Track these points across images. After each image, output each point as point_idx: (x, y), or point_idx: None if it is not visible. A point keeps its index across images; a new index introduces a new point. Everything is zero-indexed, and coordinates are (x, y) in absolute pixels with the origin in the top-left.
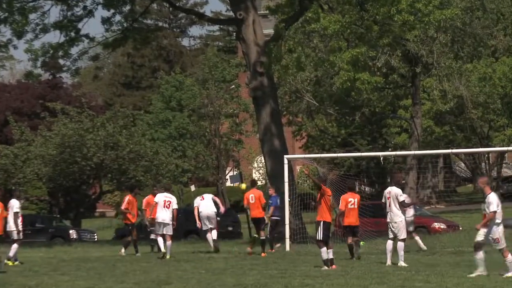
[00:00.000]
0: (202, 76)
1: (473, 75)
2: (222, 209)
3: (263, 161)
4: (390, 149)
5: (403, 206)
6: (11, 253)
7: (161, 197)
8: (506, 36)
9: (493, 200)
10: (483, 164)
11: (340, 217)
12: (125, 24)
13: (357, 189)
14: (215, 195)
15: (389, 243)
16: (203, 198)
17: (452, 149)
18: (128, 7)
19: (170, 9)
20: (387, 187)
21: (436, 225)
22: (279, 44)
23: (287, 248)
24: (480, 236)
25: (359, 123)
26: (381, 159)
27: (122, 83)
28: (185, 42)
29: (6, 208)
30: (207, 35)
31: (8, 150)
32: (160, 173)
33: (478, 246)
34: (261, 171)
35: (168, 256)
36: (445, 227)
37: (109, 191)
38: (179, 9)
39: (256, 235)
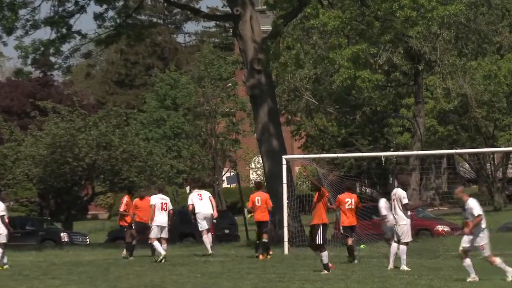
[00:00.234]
0: (197, 73)
1: (477, 72)
2: (215, 213)
3: (260, 161)
4: (392, 149)
5: (405, 209)
6: None
7: (157, 199)
8: (511, 32)
9: (474, 205)
10: (488, 164)
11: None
12: (118, 20)
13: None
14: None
15: (394, 246)
16: (201, 198)
17: (456, 149)
18: (121, 3)
19: (165, 4)
20: (389, 188)
21: (440, 227)
22: (277, 41)
23: (286, 251)
24: (465, 242)
25: (360, 122)
26: (383, 159)
27: (115, 81)
28: (180, 38)
29: None
30: (203, 31)
31: None
32: (155, 174)
33: (464, 253)
34: (258, 172)
35: (162, 260)
36: (448, 229)
37: (102, 192)
38: (174, 4)
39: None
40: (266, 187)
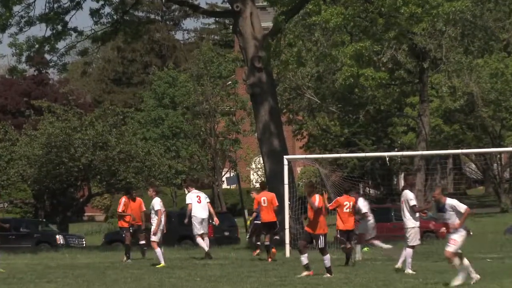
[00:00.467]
0: (196, 71)
1: (484, 70)
2: (216, 220)
3: (261, 162)
4: (396, 149)
5: (413, 211)
6: None
7: (160, 203)
8: None
9: (456, 203)
10: (494, 165)
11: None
12: (115, 17)
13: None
14: (211, 198)
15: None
16: (200, 201)
17: (462, 149)
18: None
19: (163, 0)
20: (392, 189)
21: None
22: (278, 38)
23: (287, 254)
24: (450, 247)
25: (363, 121)
26: (387, 159)
27: (112, 79)
28: (178, 35)
29: None
30: (202, 28)
31: None
32: (152, 174)
33: (454, 255)
34: (259, 173)
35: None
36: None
37: (98, 193)
38: (172, 0)
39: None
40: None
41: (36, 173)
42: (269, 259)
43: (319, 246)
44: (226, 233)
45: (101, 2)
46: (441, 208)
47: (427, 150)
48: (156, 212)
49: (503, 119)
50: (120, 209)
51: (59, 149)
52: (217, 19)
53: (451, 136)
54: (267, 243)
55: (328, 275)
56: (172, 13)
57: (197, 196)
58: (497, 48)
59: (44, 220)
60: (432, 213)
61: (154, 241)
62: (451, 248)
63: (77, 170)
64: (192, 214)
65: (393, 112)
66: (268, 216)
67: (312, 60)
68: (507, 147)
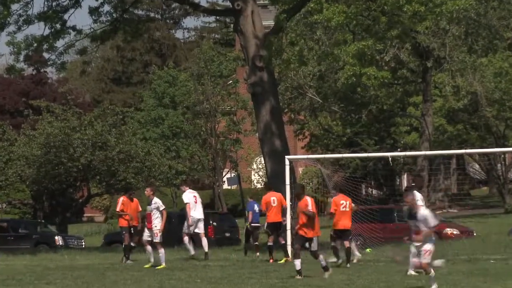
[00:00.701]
0: (197, 71)
1: (488, 70)
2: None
3: (262, 162)
4: (399, 149)
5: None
6: None
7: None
8: None
9: (429, 216)
10: (498, 165)
11: (330, 219)
12: (114, 15)
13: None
14: (211, 199)
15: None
16: (196, 201)
17: (465, 149)
18: None
19: None
20: (395, 189)
21: (449, 230)
22: (280, 37)
23: (289, 255)
24: (426, 259)
25: (366, 121)
26: (390, 160)
27: (111, 78)
28: (179, 34)
29: None
30: (203, 26)
31: None
32: (152, 175)
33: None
34: (260, 173)
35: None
36: (458, 232)
37: (98, 194)
38: None
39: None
40: None
41: (34, 173)
42: (271, 260)
43: (312, 249)
44: (227, 234)
45: (100, 1)
46: (413, 215)
47: (430, 150)
48: (161, 212)
49: (507, 118)
50: (118, 208)
51: (58, 149)
52: (217, 17)
53: (454, 136)
54: (270, 243)
55: (327, 272)
56: (172, 12)
57: (194, 196)
58: (501, 47)
59: (43, 221)
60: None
61: (158, 242)
62: (426, 259)
63: (76, 170)
64: (190, 214)
65: (396, 111)
66: (276, 216)
67: (314, 59)
68: (511, 147)
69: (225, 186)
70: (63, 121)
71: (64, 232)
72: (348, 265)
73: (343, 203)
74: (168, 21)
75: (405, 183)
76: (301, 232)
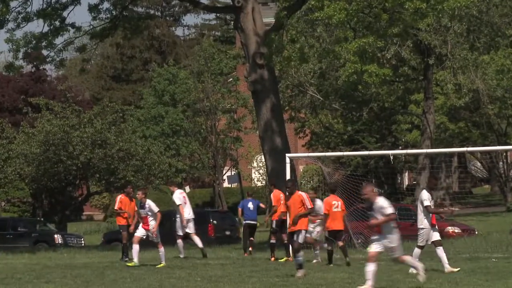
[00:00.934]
0: (197, 68)
1: (490, 67)
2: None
3: (263, 160)
4: (400, 147)
5: (427, 211)
6: None
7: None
8: None
9: (385, 204)
10: (500, 163)
11: (324, 220)
12: (114, 12)
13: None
14: (211, 197)
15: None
16: (186, 201)
17: (467, 147)
18: None
19: None
20: (396, 187)
21: (450, 229)
22: (281, 34)
23: (290, 254)
24: (377, 246)
25: (367, 119)
26: (391, 158)
27: (111, 76)
28: (179, 31)
29: None
30: (203, 24)
31: None
32: (152, 173)
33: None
34: (261, 171)
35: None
36: (459, 231)
37: (97, 192)
38: None
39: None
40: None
41: (34, 171)
42: (272, 259)
43: (298, 241)
44: (227, 233)
45: None
46: (370, 207)
47: (431, 148)
48: (156, 214)
49: (509, 116)
50: (116, 207)
51: (57, 147)
52: (218, 14)
53: (456, 134)
54: (273, 241)
55: (301, 271)
56: (172, 9)
57: (184, 197)
58: (503, 44)
59: (42, 219)
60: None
61: (158, 242)
62: (397, 253)
63: (76, 168)
64: (178, 215)
65: (397, 109)
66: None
67: (314, 56)
68: None
69: (226, 184)
70: (63, 118)
71: (63, 231)
72: (347, 259)
73: (335, 204)
74: (168, 18)
75: (406, 181)
76: (290, 229)
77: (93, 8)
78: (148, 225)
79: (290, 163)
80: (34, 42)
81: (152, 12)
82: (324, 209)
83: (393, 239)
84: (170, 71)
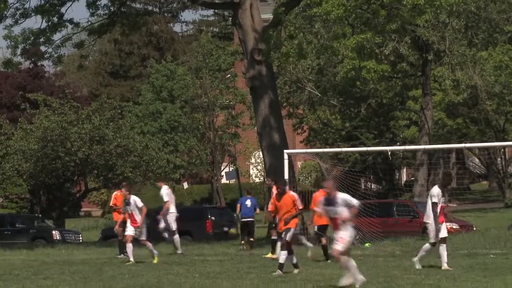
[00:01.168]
0: (195, 64)
1: (488, 63)
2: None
3: (261, 156)
4: (398, 144)
5: (433, 207)
6: None
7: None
8: None
9: (348, 197)
10: (498, 159)
11: (312, 215)
12: (112, 8)
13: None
14: (209, 193)
15: (438, 246)
16: (172, 196)
17: (465, 143)
18: None
19: None
20: (394, 183)
21: (448, 225)
22: (279, 30)
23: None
24: (339, 245)
25: (365, 115)
26: (389, 154)
27: (109, 72)
28: (177, 27)
29: None
30: (201, 20)
31: None
32: (150, 169)
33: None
34: (259, 167)
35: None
36: (457, 227)
37: (95, 188)
38: None
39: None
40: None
41: (31, 167)
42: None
43: (286, 239)
44: (225, 229)
45: None
46: (331, 202)
47: (429, 144)
48: (141, 209)
49: (507, 112)
50: (111, 203)
51: (55, 143)
52: (216, 11)
53: (454, 130)
54: (274, 237)
55: (279, 272)
56: (170, 5)
57: (171, 196)
58: (501, 40)
59: (40, 215)
60: (320, 206)
61: (144, 239)
62: (339, 246)
63: (74, 164)
64: (170, 211)
65: (395, 105)
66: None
67: (313, 52)
68: (511, 141)
69: (224, 180)
70: (61, 115)
71: (61, 227)
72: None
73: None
74: (166, 14)
75: (404, 177)
76: (280, 228)
77: (91, 4)
78: (135, 222)
79: (288, 159)
80: (32, 38)
81: (150, 8)
82: (312, 205)
83: (345, 233)
84: (168, 67)
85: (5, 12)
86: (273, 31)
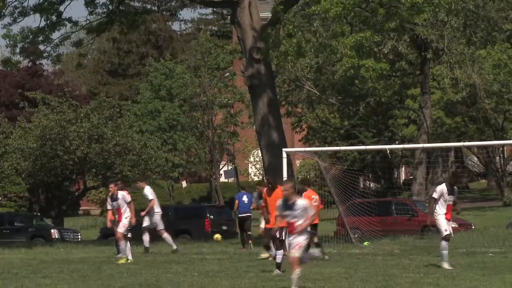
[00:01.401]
0: (194, 63)
1: (486, 62)
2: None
3: (260, 155)
4: (397, 142)
5: (430, 204)
6: None
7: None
8: None
9: (307, 204)
10: (497, 158)
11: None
12: (110, 7)
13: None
14: (208, 192)
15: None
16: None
17: (464, 141)
18: None
19: None
20: (393, 182)
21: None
22: (277, 29)
23: (287, 248)
24: (297, 252)
25: (364, 114)
26: (388, 152)
27: (107, 70)
28: (175, 26)
29: None
30: (199, 18)
31: None
32: (149, 168)
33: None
34: (257, 166)
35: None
36: (456, 226)
37: (94, 187)
38: None
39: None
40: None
41: (30, 166)
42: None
43: (281, 238)
44: (224, 227)
45: None
46: (290, 206)
47: (428, 142)
48: (129, 204)
49: (506, 111)
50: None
51: (53, 142)
52: (214, 9)
53: (453, 128)
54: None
55: (278, 271)
56: (168, 3)
57: (155, 192)
58: (500, 38)
59: (38, 214)
60: (278, 209)
61: (122, 233)
62: (297, 253)
63: (72, 163)
64: (156, 211)
65: (394, 104)
66: None
67: (311, 51)
68: (509, 139)
69: (222, 179)
70: (59, 113)
71: (60, 225)
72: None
73: (314, 198)
74: (164, 13)
75: (403, 176)
76: (270, 225)
77: (89, 3)
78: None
79: (287, 157)
80: (31, 37)
81: (148, 6)
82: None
83: (301, 239)
84: (167, 66)
85: (4, 11)
86: (271, 29)
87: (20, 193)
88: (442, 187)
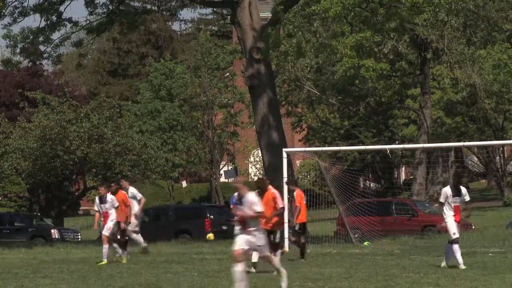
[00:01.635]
0: (194, 63)
1: (486, 62)
2: None
3: (260, 155)
4: (397, 142)
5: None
6: None
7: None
8: None
9: (255, 200)
10: (497, 158)
11: (296, 213)
12: (110, 7)
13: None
14: (208, 192)
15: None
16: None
17: (464, 141)
18: None
19: None
20: (394, 182)
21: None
22: (277, 29)
23: (286, 249)
24: (243, 243)
25: (364, 114)
26: (388, 152)
27: (107, 70)
28: (175, 26)
29: None
30: (200, 18)
31: None
32: (149, 168)
33: (244, 255)
34: (258, 166)
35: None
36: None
37: (94, 187)
38: None
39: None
40: None
41: (30, 166)
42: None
43: (276, 241)
44: (224, 227)
45: None
46: (240, 200)
47: (428, 142)
48: (116, 208)
49: (506, 111)
50: None
51: (54, 142)
52: (215, 9)
53: (453, 128)
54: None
55: (276, 272)
56: (168, 3)
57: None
58: (500, 38)
59: (38, 214)
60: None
61: (107, 236)
62: (265, 252)
63: (72, 163)
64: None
65: (394, 104)
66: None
67: (311, 51)
68: (509, 139)
69: (222, 179)
70: (59, 113)
71: (60, 225)
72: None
73: (303, 197)
74: (164, 13)
75: (403, 176)
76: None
77: (89, 3)
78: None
79: (287, 157)
80: (31, 37)
81: (148, 6)
82: (296, 201)
83: (260, 237)
84: (167, 66)
85: (4, 11)
86: (271, 29)
87: (20, 193)
88: (446, 190)
